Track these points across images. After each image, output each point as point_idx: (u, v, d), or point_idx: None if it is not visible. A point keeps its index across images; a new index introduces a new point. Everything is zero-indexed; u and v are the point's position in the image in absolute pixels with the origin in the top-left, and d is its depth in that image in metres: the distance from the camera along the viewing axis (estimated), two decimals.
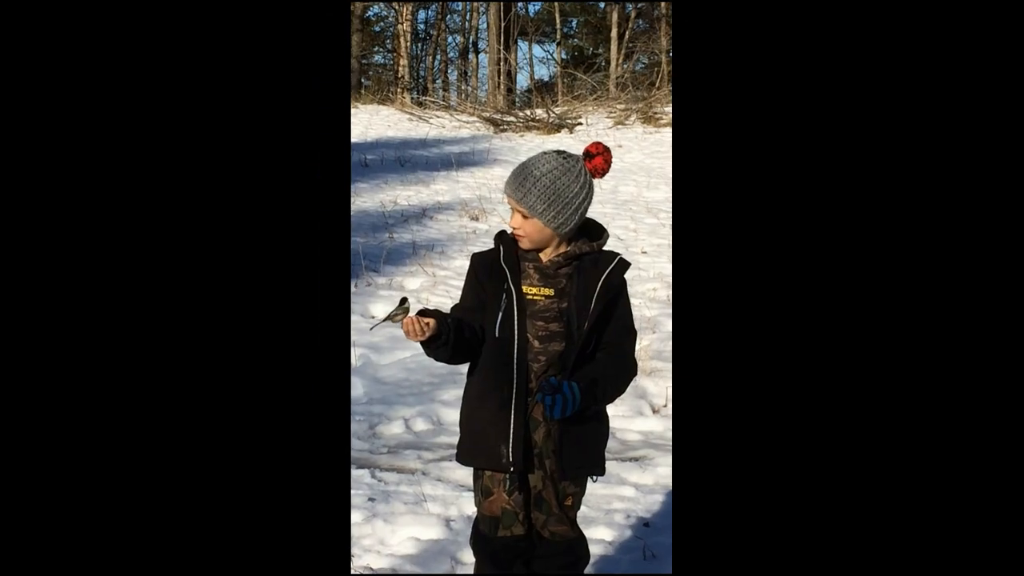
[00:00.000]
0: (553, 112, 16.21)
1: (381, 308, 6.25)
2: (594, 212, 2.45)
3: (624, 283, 2.43)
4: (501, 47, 23.52)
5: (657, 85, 18.13)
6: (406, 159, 12.38)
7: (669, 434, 4.52)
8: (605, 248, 2.45)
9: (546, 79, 27.58)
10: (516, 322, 2.36)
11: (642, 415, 4.85)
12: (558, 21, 26.79)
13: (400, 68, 24.53)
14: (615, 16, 23.05)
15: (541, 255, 2.42)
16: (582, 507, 2.55)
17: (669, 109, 15.83)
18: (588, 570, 2.58)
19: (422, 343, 2.31)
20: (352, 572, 3.11)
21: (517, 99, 23.76)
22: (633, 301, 2.53)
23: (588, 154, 2.40)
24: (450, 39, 28.62)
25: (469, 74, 27.27)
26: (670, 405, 4.86)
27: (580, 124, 15.73)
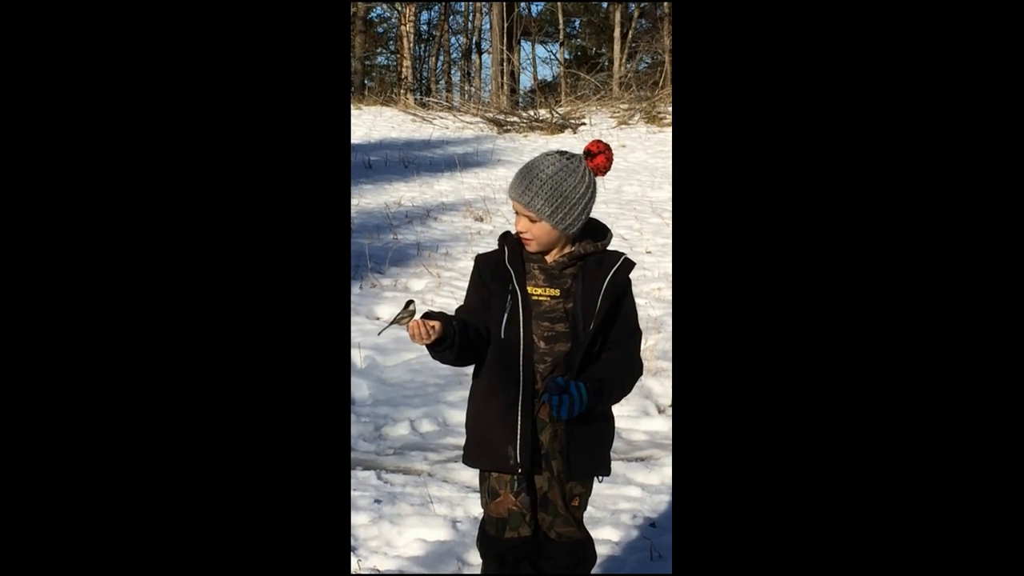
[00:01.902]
0: (557, 112, 16.22)
1: (386, 309, 6.25)
2: (598, 212, 2.45)
3: (629, 283, 2.43)
4: (504, 47, 23.52)
5: (660, 84, 18.12)
6: (410, 160, 12.38)
7: None
8: (609, 248, 2.45)
9: (549, 79, 27.57)
10: (521, 323, 2.36)
11: (648, 415, 4.85)
12: (561, 21, 26.79)
13: (403, 69, 24.53)
14: (618, 16, 23.05)
15: (546, 256, 2.42)
16: (588, 507, 2.54)
17: None
18: (595, 570, 2.58)
19: (427, 346, 2.31)
20: (359, 573, 3.11)
21: (520, 99, 23.76)
22: (638, 301, 2.52)
23: (589, 153, 2.40)
24: (453, 40, 28.62)
25: (472, 75, 27.27)
26: None
27: (584, 124, 15.73)
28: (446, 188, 10.73)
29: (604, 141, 2.41)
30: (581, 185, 2.35)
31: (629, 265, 2.42)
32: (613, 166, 2.44)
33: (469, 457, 2.49)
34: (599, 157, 2.39)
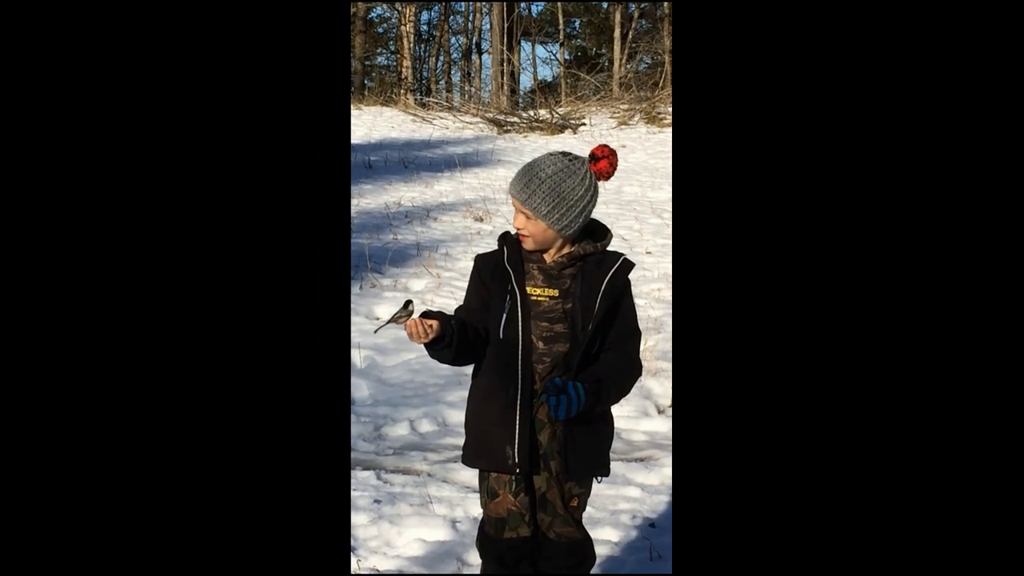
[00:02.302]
0: (557, 113, 16.23)
1: (385, 310, 6.25)
2: (598, 212, 2.45)
3: (628, 283, 2.43)
4: (504, 48, 23.52)
5: (661, 85, 18.12)
6: (410, 160, 12.39)
7: None
8: (609, 249, 2.45)
9: (549, 80, 27.58)
10: (520, 323, 2.36)
11: (647, 416, 4.85)
12: (561, 21, 26.80)
13: (403, 69, 24.54)
14: (618, 16, 23.05)
15: (545, 256, 2.42)
16: (588, 508, 2.54)
17: None
18: (594, 571, 2.58)
19: (425, 345, 2.32)
20: (358, 574, 3.11)
21: (520, 100, 23.77)
22: (638, 301, 2.52)
23: (594, 157, 2.40)
24: (453, 40, 28.64)
25: (472, 75, 27.27)
26: None
27: (584, 124, 15.74)
28: (446, 188, 10.73)
29: (610, 146, 2.41)
30: (580, 187, 2.35)
31: (628, 266, 2.42)
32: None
33: (468, 457, 2.50)
34: (603, 162, 2.39)
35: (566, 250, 2.42)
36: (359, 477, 3.95)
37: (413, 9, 24.52)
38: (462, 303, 2.51)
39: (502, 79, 23.73)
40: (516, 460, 2.37)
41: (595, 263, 2.41)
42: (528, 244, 2.40)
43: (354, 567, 3.13)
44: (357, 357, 5.37)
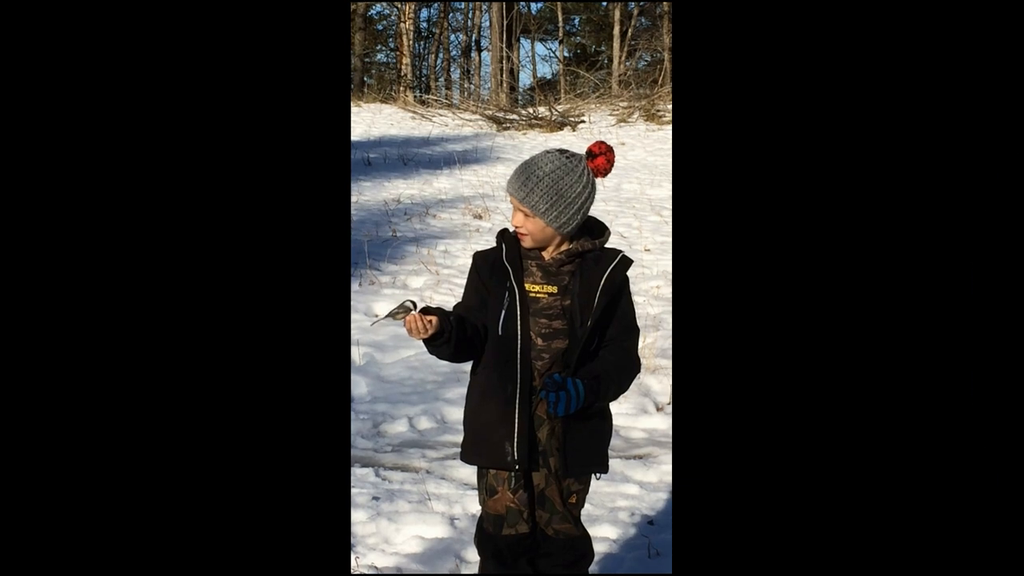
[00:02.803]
0: (556, 110, 16.22)
1: (384, 306, 6.25)
2: (597, 210, 2.45)
3: (627, 280, 2.43)
4: (504, 45, 23.51)
5: (660, 82, 18.12)
6: (409, 157, 12.39)
7: None
8: (607, 246, 2.45)
9: (549, 77, 27.58)
10: (519, 320, 2.37)
11: (646, 413, 4.85)
12: (560, 19, 26.78)
13: (403, 67, 24.53)
14: (617, 14, 23.04)
15: (543, 253, 2.43)
16: (586, 505, 2.55)
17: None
18: (592, 568, 2.58)
19: (424, 341, 2.32)
20: (357, 570, 3.11)
21: (520, 97, 23.76)
22: (636, 299, 2.53)
23: (591, 153, 2.40)
24: (452, 37, 28.61)
25: (472, 72, 27.26)
26: None
27: (583, 122, 15.74)
28: (445, 185, 10.73)
29: (607, 143, 2.41)
30: (578, 184, 2.35)
31: (627, 262, 2.42)
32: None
33: (467, 454, 2.50)
34: (600, 158, 2.39)
35: (564, 247, 2.42)
36: (358, 474, 3.95)
37: (413, 6, 24.50)
38: (461, 300, 2.52)
39: (501, 76, 23.72)
40: (515, 457, 2.37)
41: (593, 260, 2.41)
42: (527, 242, 2.40)
43: (353, 564, 3.13)
44: (356, 354, 5.37)
